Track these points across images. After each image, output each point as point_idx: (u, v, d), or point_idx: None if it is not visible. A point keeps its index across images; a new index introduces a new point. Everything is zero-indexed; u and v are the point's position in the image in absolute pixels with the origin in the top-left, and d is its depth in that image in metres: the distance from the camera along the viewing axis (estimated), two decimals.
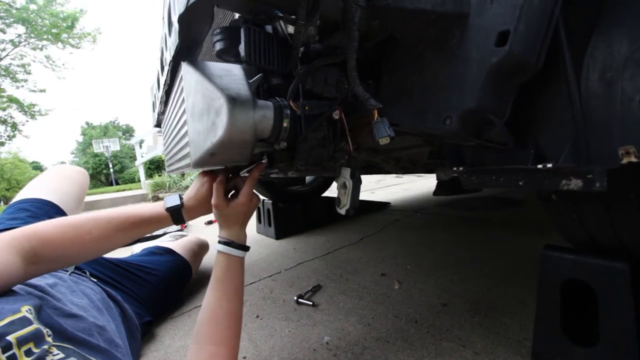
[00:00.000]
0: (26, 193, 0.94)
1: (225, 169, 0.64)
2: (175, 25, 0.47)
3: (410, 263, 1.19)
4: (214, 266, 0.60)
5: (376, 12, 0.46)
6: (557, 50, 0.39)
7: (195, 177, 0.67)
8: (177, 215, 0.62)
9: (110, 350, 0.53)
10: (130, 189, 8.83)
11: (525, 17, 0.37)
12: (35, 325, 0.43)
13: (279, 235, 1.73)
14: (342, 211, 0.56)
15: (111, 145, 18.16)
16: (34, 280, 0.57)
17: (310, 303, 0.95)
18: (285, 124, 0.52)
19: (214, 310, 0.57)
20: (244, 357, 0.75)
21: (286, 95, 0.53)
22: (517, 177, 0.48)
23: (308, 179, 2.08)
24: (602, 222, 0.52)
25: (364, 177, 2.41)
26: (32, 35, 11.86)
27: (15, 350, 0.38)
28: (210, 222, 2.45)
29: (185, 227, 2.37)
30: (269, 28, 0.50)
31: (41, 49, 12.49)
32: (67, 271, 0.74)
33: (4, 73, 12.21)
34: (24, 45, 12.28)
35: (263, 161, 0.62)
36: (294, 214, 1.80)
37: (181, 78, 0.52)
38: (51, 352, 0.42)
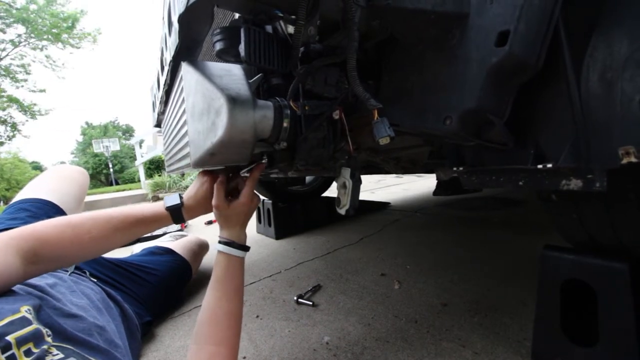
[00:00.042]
0: (26, 193, 0.94)
1: (225, 168, 0.64)
2: (175, 25, 0.47)
3: (410, 263, 1.19)
4: (214, 266, 0.60)
5: (376, 12, 0.46)
6: (557, 50, 0.39)
7: (195, 177, 0.67)
8: (177, 215, 0.62)
9: (110, 351, 0.53)
10: (130, 189, 8.83)
11: (525, 17, 0.37)
12: (35, 326, 0.43)
13: (279, 235, 1.73)
14: (342, 211, 0.56)
15: (111, 145, 18.16)
16: (33, 280, 0.56)
17: (310, 303, 0.95)
18: (285, 124, 0.52)
19: (214, 310, 0.57)
20: (244, 357, 0.75)
21: (286, 95, 0.53)
22: (517, 177, 0.48)
23: (308, 179, 2.08)
24: (602, 222, 0.52)
25: (364, 177, 2.41)
26: (32, 35, 11.87)
27: (14, 350, 0.38)
28: (210, 222, 2.45)
29: (185, 227, 2.37)
30: (269, 28, 0.50)
31: (41, 49, 12.51)
32: (67, 271, 0.74)
33: (3, 73, 12.21)
34: (24, 45, 12.29)
35: (263, 161, 0.62)
36: (294, 214, 1.80)
37: (181, 78, 0.52)
38: (51, 352, 0.42)
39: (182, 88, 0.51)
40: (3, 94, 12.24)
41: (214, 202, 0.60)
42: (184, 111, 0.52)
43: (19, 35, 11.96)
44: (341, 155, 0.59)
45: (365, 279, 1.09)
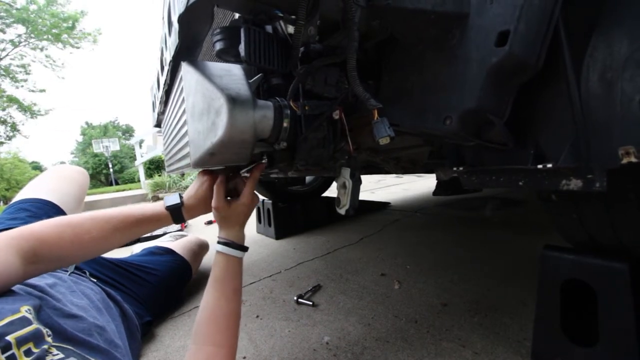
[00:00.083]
0: (26, 193, 0.94)
1: (225, 168, 0.64)
2: (175, 25, 0.47)
3: (410, 263, 1.19)
4: (213, 266, 0.60)
5: (376, 12, 0.46)
6: (557, 50, 0.39)
7: (195, 177, 0.67)
8: (177, 214, 0.62)
9: (110, 351, 0.53)
10: (130, 189, 8.83)
11: (525, 17, 0.37)
12: (35, 325, 0.43)
13: (279, 235, 1.73)
14: (342, 211, 0.56)
15: (111, 145, 18.16)
16: (33, 281, 0.56)
17: (310, 303, 0.95)
18: (285, 124, 0.52)
19: (213, 311, 0.57)
20: (244, 357, 0.75)
21: (286, 95, 0.53)
22: (517, 177, 0.48)
23: (308, 179, 2.08)
24: (602, 222, 0.52)
25: (364, 177, 2.40)
26: (32, 35, 11.87)
27: (14, 350, 0.38)
28: (210, 222, 2.45)
29: (185, 227, 2.37)
30: (269, 28, 0.50)
31: (41, 50, 12.51)
32: (67, 271, 0.74)
33: (3, 73, 12.21)
34: (24, 46, 12.29)
35: (263, 161, 0.62)
36: (294, 214, 1.80)
37: (181, 78, 0.52)
38: (51, 352, 0.42)
39: (182, 88, 0.51)
40: (3, 94, 12.24)
41: (213, 203, 0.60)
42: (184, 111, 0.52)
43: (19, 36, 11.97)
44: (341, 155, 0.59)
45: (365, 279, 1.09)
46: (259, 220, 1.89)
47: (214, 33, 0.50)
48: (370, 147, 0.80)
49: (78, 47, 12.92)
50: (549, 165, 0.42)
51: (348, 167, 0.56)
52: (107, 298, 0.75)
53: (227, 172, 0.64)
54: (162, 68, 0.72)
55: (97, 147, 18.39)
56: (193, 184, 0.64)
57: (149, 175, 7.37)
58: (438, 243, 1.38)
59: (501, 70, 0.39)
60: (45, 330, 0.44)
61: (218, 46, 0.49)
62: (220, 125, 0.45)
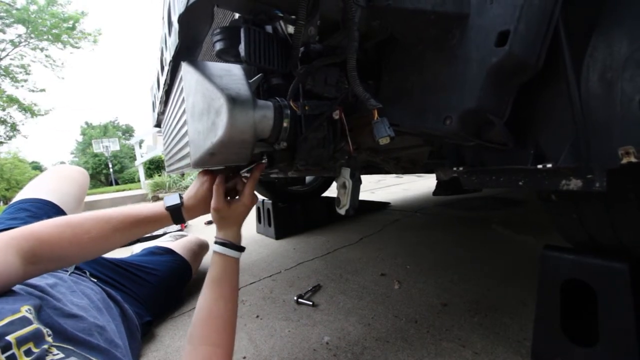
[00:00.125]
0: (26, 193, 0.94)
1: (225, 169, 0.64)
2: (175, 25, 0.47)
3: (410, 263, 1.19)
4: (210, 267, 0.60)
5: (376, 13, 0.46)
6: (557, 50, 0.39)
7: (195, 177, 0.67)
8: (177, 215, 0.62)
9: (110, 350, 0.53)
10: (130, 189, 8.83)
11: (525, 18, 0.37)
12: (35, 325, 0.43)
13: (278, 235, 1.73)
14: (342, 211, 0.56)
15: (111, 145, 18.16)
16: (34, 280, 0.56)
17: (310, 303, 0.95)
18: (285, 124, 0.52)
19: (210, 311, 0.57)
20: (244, 357, 0.75)
21: (286, 95, 0.53)
22: (517, 177, 0.48)
23: (308, 179, 2.08)
24: (602, 222, 0.52)
25: (364, 177, 2.40)
26: (32, 35, 11.87)
27: (14, 350, 0.38)
28: (210, 222, 2.44)
29: (185, 227, 2.37)
30: (269, 28, 0.50)
31: (41, 50, 12.51)
32: (67, 271, 0.74)
33: (3, 73, 12.22)
34: (24, 46, 12.30)
35: (263, 161, 0.62)
36: (294, 214, 1.80)
37: (181, 78, 0.52)
38: (51, 352, 0.42)
39: (182, 88, 0.51)
40: (3, 94, 12.25)
41: (213, 204, 0.60)
42: (184, 111, 0.52)
43: (19, 36, 11.97)
44: (341, 155, 0.59)
45: (365, 279, 1.09)
46: (259, 220, 1.89)
47: (214, 33, 0.50)
48: (370, 147, 0.80)
49: (78, 47, 12.92)
50: (549, 165, 0.42)
51: (348, 167, 0.56)
52: (107, 298, 0.75)
53: (227, 173, 0.64)
54: (162, 68, 0.72)
55: (97, 147, 18.39)
56: (193, 185, 0.64)
57: (149, 175, 7.37)
58: (438, 243, 1.38)
59: (501, 70, 0.39)
60: (45, 330, 0.44)
61: (218, 46, 0.49)
62: (220, 125, 0.45)
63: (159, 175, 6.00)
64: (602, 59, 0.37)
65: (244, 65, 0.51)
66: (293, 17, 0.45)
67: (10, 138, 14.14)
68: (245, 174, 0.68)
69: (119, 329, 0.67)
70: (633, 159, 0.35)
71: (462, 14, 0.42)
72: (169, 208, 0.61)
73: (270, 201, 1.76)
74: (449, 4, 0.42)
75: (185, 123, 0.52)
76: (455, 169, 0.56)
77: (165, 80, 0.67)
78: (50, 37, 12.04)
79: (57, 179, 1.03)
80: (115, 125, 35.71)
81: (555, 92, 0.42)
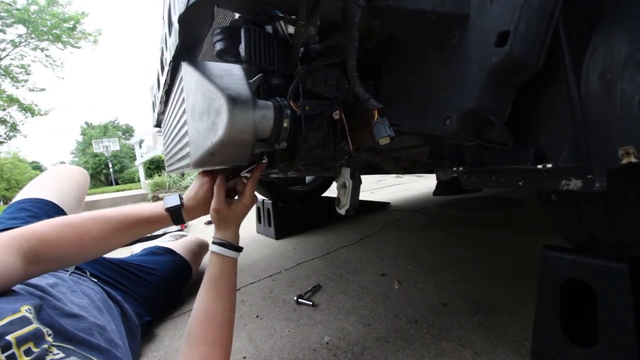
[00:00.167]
0: (26, 193, 0.94)
1: (225, 169, 0.64)
2: (176, 25, 0.47)
3: (410, 263, 1.19)
4: (208, 267, 0.60)
5: (376, 13, 0.46)
6: (557, 50, 0.39)
7: (195, 177, 0.67)
8: (177, 216, 0.62)
9: (110, 350, 0.53)
10: (130, 189, 8.83)
11: (525, 18, 0.37)
12: (35, 325, 0.43)
13: (279, 235, 1.73)
14: (342, 211, 0.56)
15: (111, 145, 18.17)
16: (34, 280, 0.56)
17: (310, 303, 0.95)
18: (285, 124, 0.52)
19: (207, 311, 0.56)
20: (244, 357, 0.75)
21: (286, 95, 0.53)
22: (517, 178, 0.48)
23: (308, 179, 2.08)
24: (602, 222, 0.52)
25: (364, 177, 2.40)
26: (33, 35, 11.88)
27: (14, 349, 0.38)
28: (210, 222, 2.45)
29: (185, 227, 2.37)
30: (269, 28, 0.50)
31: (42, 50, 12.52)
32: (68, 271, 0.74)
33: (3, 73, 12.22)
34: (25, 46, 12.30)
35: (263, 161, 0.62)
36: (294, 214, 1.80)
37: (181, 78, 0.52)
38: (51, 352, 0.42)
39: (182, 88, 0.51)
40: (3, 94, 12.25)
41: (214, 204, 0.60)
42: (184, 111, 0.52)
43: (20, 36, 11.98)
44: (341, 155, 0.59)
45: (365, 279, 1.09)
46: (259, 220, 1.89)
47: (214, 33, 0.50)
48: (370, 147, 0.80)
49: (78, 47, 12.93)
50: (549, 166, 0.42)
51: (348, 167, 0.56)
52: (107, 298, 0.75)
53: (227, 173, 0.64)
54: (162, 68, 0.72)
55: (97, 147, 18.40)
56: (193, 185, 0.64)
57: (149, 175, 7.37)
58: (438, 243, 1.38)
59: (501, 70, 0.39)
60: (45, 330, 0.44)
61: (218, 46, 0.49)
62: (221, 125, 0.45)
63: (159, 175, 6.00)
64: (602, 59, 0.37)
65: (244, 65, 0.51)
66: (293, 17, 0.45)
67: (10, 138, 14.15)
68: (246, 174, 0.68)
69: (119, 329, 0.67)
70: (633, 159, 0.35)
71: (462, 14, 0.42)
72: (168, 209, 0.61)
73: (270, 201, 1.76)
74: (449, 4, 0.42)
75: (185, 123, 0.52)
76: (455, 169, 0.56)
77: (166, 80, 0.67)
78: (50, 37, 12.05)
79: (57, 179, 1.03)
80: (115, 125, 35.73)
81: (555, 92, 0.42)
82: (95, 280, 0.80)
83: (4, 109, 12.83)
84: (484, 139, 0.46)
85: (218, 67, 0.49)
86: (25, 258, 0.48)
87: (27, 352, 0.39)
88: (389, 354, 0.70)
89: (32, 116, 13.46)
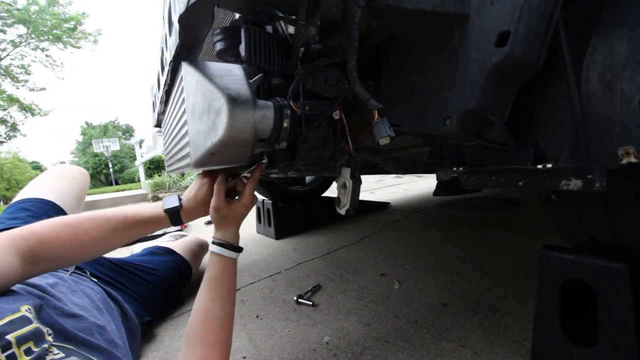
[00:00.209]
0: (27, 193, 0.94)
1: (225, 169, 0.64)
2: (176, 25, 0.47)
3: (410, 263, 1.19)
4: (208, 267, 0.60)
5: (376, 13, 0.46)
6: (557, 50, 0.39)
7: (195, 176, 0.67)
8: (176, 217, 0.62)
9: (110, 350, 0.53)
10: (130, 189, 8.83)
11: (525, 18, 0.37)
12: (35, 325, 0.43)
13: (279, 235, 1.73)
14: (342, 211, 0.56)
15: (111, 145, 18.18)
16: (34, 280, 0.57)
17: (310, 303, 0.95)
18: (285, 124, 0.52)
19: (207, 311, 0.56)
20: (244, 357, 0.75)
21: (286, 95, 0.53)
22: (517, 178, 0.48)
23: (308, 179, 2.08)
24: (602, 222, 0.52)
25: (364, 177, 2.41)
26: (33, 36, 11.88)
27: (14, 349, 0.38)
28: (210, 222, 2.45)
29: (185, 227, 2.37)
30: (269, 28, 0.50)
31: (42, 50, 12.52)
32: (68, 271, 0.74)
33: (4, 73, 12.23)
34: (25, 46, 12.31)
35: (263, 161, 0.62)
36: (294, 214, 1.80)
37: (181, 78, 0.52)
38: (51, 352, 0.42)
39: (183, 88, 0.51)
40: (4, 95, 12.26)
41: (213, 203, 0.60)
42: (184, 111, 0.52)
43: (20, 36, 11.98)
44: (341, 155, 0.59)
45: (365, 279, 1.09)
46: (259, 220, 1.89)
47: (214, 33, 0.50)
48: (370, 147, 0.80)
49: (78, 47, 12.94)
50: (549, 166, 0.42)
51: (348, 167, 0.56)
52: (107, 298, 0.75)
53: (227, 173, 0.64)
54: (163, 68, 0.72)
55: (97, 147, 18.41)
56: (192, 186, 0.64)
57: (149, 175, 7.37)
58: (438, 243, 1.38)
59: (501, 70, 0.39)
60: (45, 330, 0.44)
61: (218, 46, 0.49)
62: (221, 125, 0.45)
63: (159, 175, 6.00)
64: (602, 59, 0.37)
65: (244, 65, 0.51)
66: (293, 17, 0.45)
67: (10, 138, 14.17)
68: (246, 175, 0.68)
69: (119, 329, 0.67)
70: (633, 159, 0.35)
71: (462, 14, 0.42)
72: (167, 211, 0.61)
73: (270, 201, 1.76)
74: (449, 4, 0.42)
75: (185, 123, 0.52)
76: (455, 169, 0.56)
77: (166, 80, 0.67)
78: (51, 37, 12.06)
79: (58, 179, 1.03)
80: (115, 125, 35.75)
81: (555, 92, 0.42)
82: (96, 280, 0.80)
83: (4, 109, 12.84)
84: (484, 139, 0.46)
85: (218, 67, 0.49)
86: (23, 258, 0.48)
87: (27, 352, 0.39)
88: (389, 354, 0.70)
89: (32, 116, 13.47)
